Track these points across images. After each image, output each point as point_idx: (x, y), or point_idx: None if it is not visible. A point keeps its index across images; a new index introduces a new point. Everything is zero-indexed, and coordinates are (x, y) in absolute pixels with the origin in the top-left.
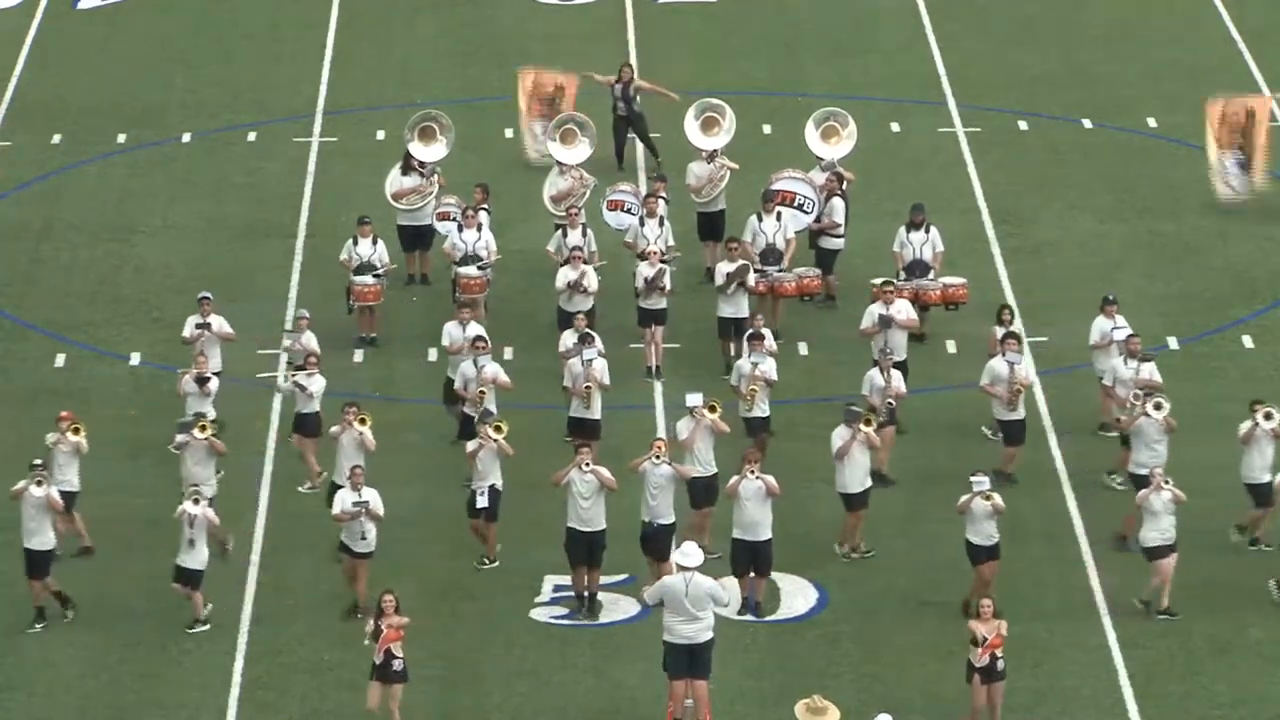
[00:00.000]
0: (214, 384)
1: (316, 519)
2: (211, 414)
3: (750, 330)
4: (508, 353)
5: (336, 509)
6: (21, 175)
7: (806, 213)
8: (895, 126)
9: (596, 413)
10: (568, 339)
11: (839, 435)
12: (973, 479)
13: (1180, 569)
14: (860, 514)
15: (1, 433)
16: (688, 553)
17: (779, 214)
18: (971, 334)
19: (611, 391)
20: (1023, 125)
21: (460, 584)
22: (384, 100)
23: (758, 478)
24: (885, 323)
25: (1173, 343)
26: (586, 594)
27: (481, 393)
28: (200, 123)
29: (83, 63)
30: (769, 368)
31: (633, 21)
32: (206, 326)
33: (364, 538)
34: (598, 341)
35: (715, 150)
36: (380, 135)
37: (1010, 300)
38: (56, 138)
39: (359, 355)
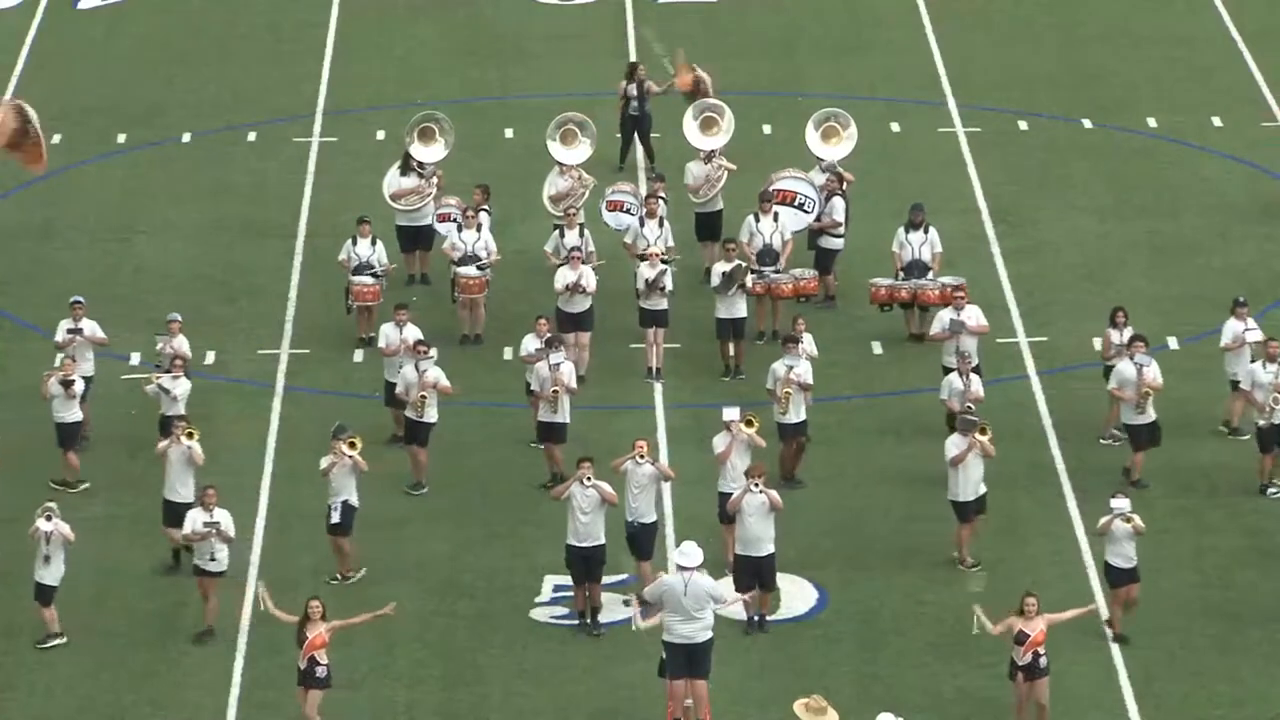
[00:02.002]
0: (79, 386)
1: (316, 519)
2: (78, 417)
3: (785, 334)
4: (507, 353)
5: (186, 529)
6: (22, 175)
7: (807, 212)
8: (895, 126)
9: (564, 416)
10: (529, 343)
11: (954, 444)
12: (1113, 502)
13: (1178, 570)
14: (975, 522)
15: (1, 432)
16: (686, 552)
17: (776, 214)
18: None
19: (609, 392)
20: (1023, 125)
21: (460, 584)
22: (384, 100)
23: (761, 492)
24: (957, 328)
25: (1173, 343)
26: (590, 611)
27: (423, 397)
28: (200, 123)
29: (83, 63)
30: (804, 371)
31: (633, 21)
32: (78, 331)
33: (213, 559)
34: (563, 347)
35: (713, 150)
36: (380, 135)
37: (1009, 299)
38: (56, 138)
39: (359, 355)
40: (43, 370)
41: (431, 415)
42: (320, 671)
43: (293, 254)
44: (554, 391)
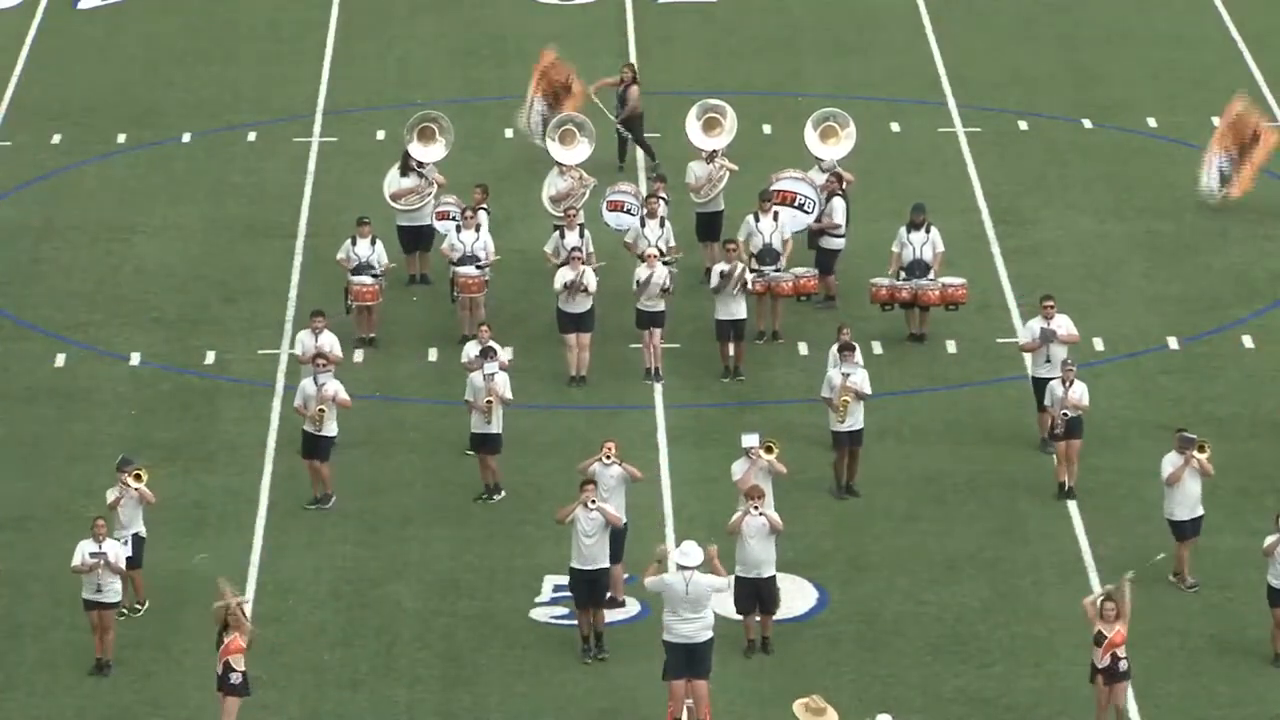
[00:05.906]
0: None
1: (316, 519)
2: None
3: (840, 341)
4: (507, 354)
5: (75, 560)
6: (21, 175)
7: (807, 212)
8: (895, 126)
9: (497, 427)
10: (470, 350)
11: (1170, 461)
12: None
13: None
14: (1192, 542)
15: (1, 432)
16: (687, 552)
17: (776, 214)
18: (971, 334)
19: (609, 392)
20: (1023, 125)
21: (460, 584)
22: (384, 100)
23: (761, 514)
24: (1048, 336)
25: (1173, 343)
26: (593, 635)
27: (321, 411)
28: (200, 123)
29: (83, 63)
30: (861, 379)
31: (633, 21)
32: None
33: (100, 590)
34: (500, 355)
35: (716, 150)
36: (380, 135)
37: (1009, 299)
38: (56, 138)
39: (359, 355)
40: (41, 369)
41: (331, 429)
42: (235, 678)
43: (293, 254)
44: (488, 402)
